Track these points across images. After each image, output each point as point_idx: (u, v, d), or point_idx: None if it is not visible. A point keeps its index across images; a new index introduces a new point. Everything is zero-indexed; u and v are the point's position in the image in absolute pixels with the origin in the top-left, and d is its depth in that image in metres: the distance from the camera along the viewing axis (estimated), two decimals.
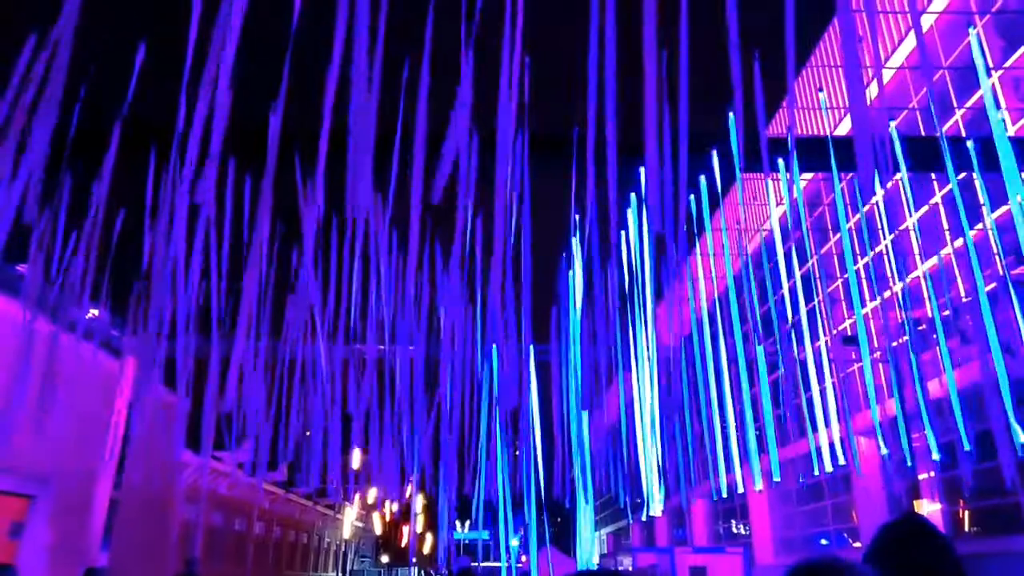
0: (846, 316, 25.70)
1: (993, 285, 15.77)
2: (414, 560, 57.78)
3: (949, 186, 17.12)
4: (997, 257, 18.19)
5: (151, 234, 7.28)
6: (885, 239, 22.96)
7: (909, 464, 19.09)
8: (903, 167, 8.86)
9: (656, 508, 11.19)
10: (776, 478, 15.03)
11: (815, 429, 14.96)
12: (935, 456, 11.48)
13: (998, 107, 18.18)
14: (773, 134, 23.79)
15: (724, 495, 15.95)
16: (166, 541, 17.80)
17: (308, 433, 11.56)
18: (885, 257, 23.10)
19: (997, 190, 17.54)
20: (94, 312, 11.06)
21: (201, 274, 7.76)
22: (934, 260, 19.83)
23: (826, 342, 24.69)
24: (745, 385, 12.96)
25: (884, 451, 15.16)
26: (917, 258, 20.83)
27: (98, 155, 6.72)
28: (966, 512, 20.24)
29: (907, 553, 1.94)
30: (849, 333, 24.32)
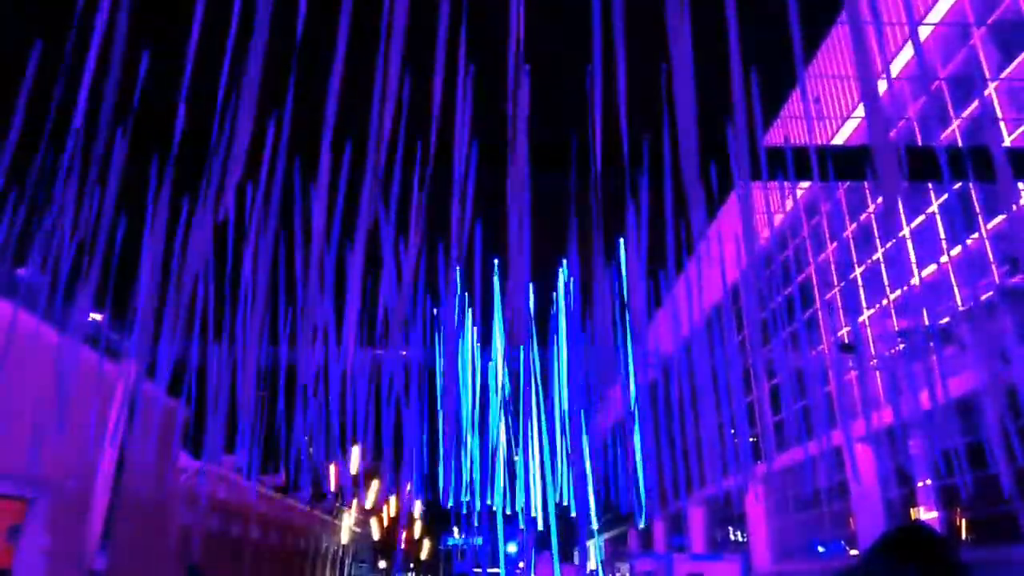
0: (843, 324, 25.78)
1: (989, 294, 15.85)
2: (411, 566, 57.64)
3: (945, 196, 17.21)
4: (993, 266, 18.29)
5: (152, 237, 7.33)
6: (882, 248, 23.07)
7: (906, 472, 19.14)
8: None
9: (651, 514, 11.22)
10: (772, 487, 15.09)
11: (812, 437, 14.99)
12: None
13: (995, 117, 18.30)
14: (769, 143, 23.83)
15: (722, 502, 15.97)
16: (164, 545, 17.79)
17: (307, 437, 11.58)
18: (882, 266, 23.21)
19: (993, 200, 17.66)
20: (94, 315, 11.08)
21: (201, 278, 7.81)
22: (931, 268, 19.92)
23: (823, 349, 24.76)
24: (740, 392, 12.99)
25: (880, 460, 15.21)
26: (914, 267, 20.92)
27: (103, 156, 6.77)
28: (963, 521, 20.28)
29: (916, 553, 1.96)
30: (846, 341, 24.39)
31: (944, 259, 19.53)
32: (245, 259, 7.24)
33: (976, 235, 18.23)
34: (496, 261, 11.04)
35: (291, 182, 6.69)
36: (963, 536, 20.08)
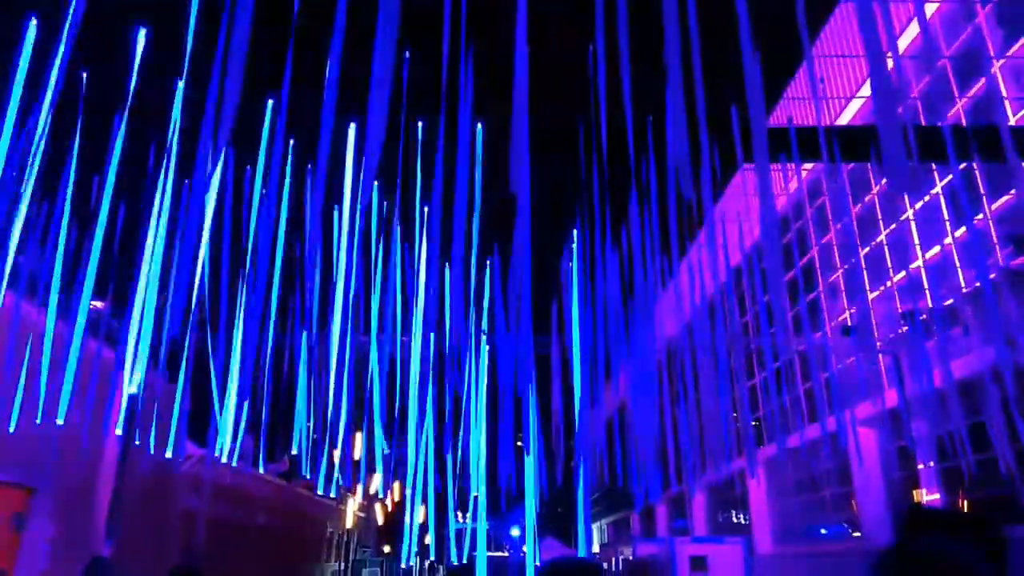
0: (846, 307, 25.73)
1: (993, 275, 15.77)
2: (416, 550, 57.97)
3: (949, 176, 17.09)
4: (997, 247, 18.20)
5: (153, 226, 7.28)
6: (885, 230, 22.97)
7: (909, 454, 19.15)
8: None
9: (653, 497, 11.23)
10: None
11: (815, 419, 14.97)
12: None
13: (1000, 96, 18.14)
14: (773, 124, 23.72)
15: (724, 485, 16.00)
16: (169, 530, 17.88)
17: (310, 424, 11.59)
18: (885, 247, 23.11)
19: (997, 180, 17.54)
20: (96, 303, 11.05)
21: (203, 266, 7.77)
22: (935, 250, 19.82)
23: (826, 332, 24.71)
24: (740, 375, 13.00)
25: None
26: (917, 248, 20.83)
27: (100, 145, 6.72)
28: (964, 502, 20.32)
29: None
30: (849, 323, 24.34)
31: (948, 240, 19.43)
32: (247, 247, 7.19)
33: (980, 216, 18.14)
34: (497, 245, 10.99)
35: (296, 168, 6.63)
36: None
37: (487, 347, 11.71)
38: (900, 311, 20.18)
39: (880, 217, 23.32)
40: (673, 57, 4.02)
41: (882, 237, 23.20)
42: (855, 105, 24.34)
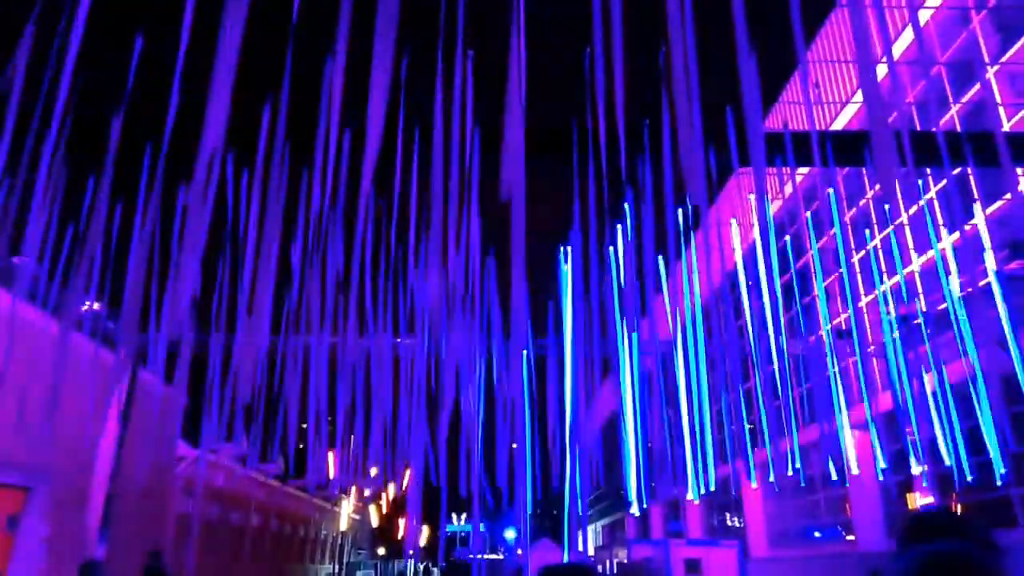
0: (840, 310, 25.81)
1: (986, 280, 15.85)
2: (411, 552, 57.93)
3: (944, 182, 17.17)
4: (990, 252, 18.28)
5: (149, 226, 7.28)
6: (879, 234, 23.04)
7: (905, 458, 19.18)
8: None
9: (641, 504, 11.26)
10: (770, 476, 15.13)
11: (808, 424, 15.02)
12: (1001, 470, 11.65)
13: (995, 101, 18.24)
14: (768, 128, 23.79)
15: (716, 489, 16.04)
16: (163, 533, 17.83)
17: (304, 426, 11.57)
18: (879, 252, 23.18)
19: (991, 186, 17.64)
20: (92, 305, 11.05)
21: (199, 267, 7.76)
22: (929, 254, 19.89)
23: (819, 336, 24.70)
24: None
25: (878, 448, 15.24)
26: (911, 252, 20.91)
27: (96, 147, 6.72)
28: (958, 506, 20.39)
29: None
30: (843, 327, 24.42)
31: (942, 244, 19.50)
32: (243, 246, 7.20)
33: (974, 220, 18.22)
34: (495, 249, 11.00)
35: (291, 168, 6.64)
36: None
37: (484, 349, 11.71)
38: (894, 315, 20.23)
39: (875, 221, 23.42)
40: (668, 59, 4.05)
41: (876, 242, 23.29)
42: (851, 110, 24.44)
